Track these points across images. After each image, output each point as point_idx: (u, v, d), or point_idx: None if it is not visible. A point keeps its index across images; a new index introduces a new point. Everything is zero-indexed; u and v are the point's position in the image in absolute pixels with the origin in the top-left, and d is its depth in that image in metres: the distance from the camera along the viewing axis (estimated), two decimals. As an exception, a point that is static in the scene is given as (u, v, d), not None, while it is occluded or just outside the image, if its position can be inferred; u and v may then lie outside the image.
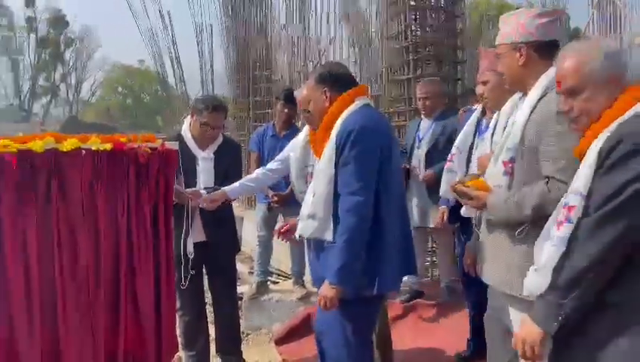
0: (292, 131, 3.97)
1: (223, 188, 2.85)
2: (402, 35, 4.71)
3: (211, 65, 11.22)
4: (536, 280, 1.46)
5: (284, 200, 3.74)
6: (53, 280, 2.13)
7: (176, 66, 12.03)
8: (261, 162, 4.10)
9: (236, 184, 2.88)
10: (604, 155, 1.36)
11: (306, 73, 8.25)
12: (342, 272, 2.04)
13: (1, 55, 42.33)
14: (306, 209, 2.22)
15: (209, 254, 3.03)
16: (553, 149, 1.66)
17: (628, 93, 1.43)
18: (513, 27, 1.81)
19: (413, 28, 4.64)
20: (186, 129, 3.05)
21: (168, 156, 2.40)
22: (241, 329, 3.65)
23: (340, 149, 2.09)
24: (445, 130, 3.74)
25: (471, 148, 2.98)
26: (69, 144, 2.15)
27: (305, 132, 2.61)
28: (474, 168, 2.66)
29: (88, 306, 2.21)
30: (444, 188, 3.10)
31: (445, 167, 3.13)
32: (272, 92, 8.72)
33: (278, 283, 4.76)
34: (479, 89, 2.78)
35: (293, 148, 2.71)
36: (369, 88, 6.09)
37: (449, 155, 3.12)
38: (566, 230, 1.40)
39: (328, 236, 2.11)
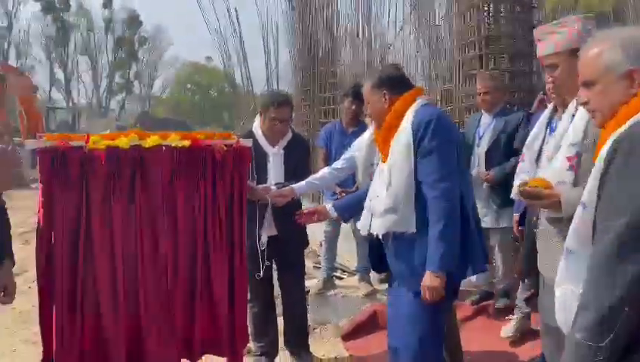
0: (360, 128, 3.97)
1: (291, 185, 2.90)
2: (475, 29, 4.57)
3: (276, 62, 11.39)
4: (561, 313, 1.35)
5: None
6: (135, 268, 2.26)
7: (242, 64, 12.27)
8: (329, 158, 4.13)
9: (303, 182, 2.93)
10: (608, 159, 1.20)
11: (371, 68, 8.24)
12: (444, 259, 2.06)
13: (82, 54, 45.09)
14: (380, 205, 2.21)
15: (279, 248, 3.09)
16: None
17: None
18: (570, 34, 1.86)
19: (486, 20, 4.49)
20: (257, 126, 3.13)
21: (242, 153, 2.48)
22: (308, 323, 3.69)
23: (418, 139, 2.12)
24: (507, 126, 3.60)
25: (541, 146, 2.87)
26: (151, 141, 2.27)
27: (371, 130, 2.65)
28: (544, 167, 2.56)
29: (167, 294, 2.32)
30: (516, 191, 2.99)
31: (518, 167, 3.01)
32: (337, 88, 8.75)
33: (343, 278, 4.78)
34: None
35: (359, 146, 2.76)
36: (437, 83, 6.00)
37: (521, 155, 3.00)
38: (568, 242, 1.32)
39: (412, 227, 2.12)
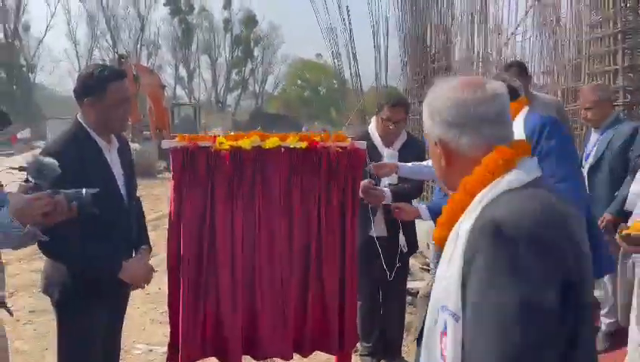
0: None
1: (396, 162, 2.86)
2: (609, 21, 4.16)
3: (386, 59, 11.34)
4: None
5: None
6: (253, 263, 2.37)
7: (352, 61, 12.37)
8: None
9: (409, 164, 2.85)
10: (473, 250, 0.96)
11: (486, 64, 7.89)
12: None
13: (203, 53, 48.27)
14: None
15: (388, 249, 3.07)
16: None
17: (494, 155, 1.05)
18: None
19: (623, 12, 4.06)
20: (372, 127, 3.14)
21: (356, 154, 2.50)
22: (415, 327, 3.64)
23: (535, 144, 2.07)
24: (615, 139, 3.18)
25: None
26: (270, 142, 2.36)
27: None
28: None
29: (282, 289, 2.41)
30: (629, 199, 2.59)
31: (637, 176, 2.65)
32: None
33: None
34: None
35: None
36: (560, 80, 5.59)
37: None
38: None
39: None
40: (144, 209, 2.48)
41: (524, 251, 0.91)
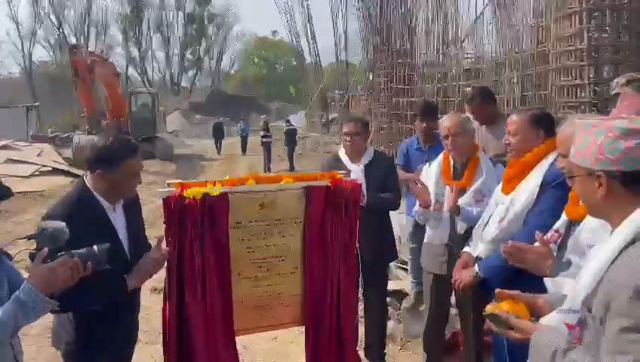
0: (436, 143, 3.95)
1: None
2: (576, 37, 4.30)
3: (345, 37, 11.45)
4: None
5: None
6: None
7: (310, 39, 12.41)
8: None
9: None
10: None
11: (444, 59, 8.10)
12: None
13: (155, 32, 46.69)
14: (488, 234, 2.43)
15: (365, 262, 3.11)
16: (623, 337, 1.11)
17: None
18: (591, 147, 1.27)
19: (591, 29, 4.18)
20: (342, 149, 3.36)
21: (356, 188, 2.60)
22: (401, 336, 3.80)
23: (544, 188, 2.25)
24: None
25: None
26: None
27: (438, 162, 2.87)
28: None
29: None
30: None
31: None
32: (412, 80, 8.66)
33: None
34: None
35: (429, 175, 2.91)
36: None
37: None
38: None
39: None
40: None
41: None
